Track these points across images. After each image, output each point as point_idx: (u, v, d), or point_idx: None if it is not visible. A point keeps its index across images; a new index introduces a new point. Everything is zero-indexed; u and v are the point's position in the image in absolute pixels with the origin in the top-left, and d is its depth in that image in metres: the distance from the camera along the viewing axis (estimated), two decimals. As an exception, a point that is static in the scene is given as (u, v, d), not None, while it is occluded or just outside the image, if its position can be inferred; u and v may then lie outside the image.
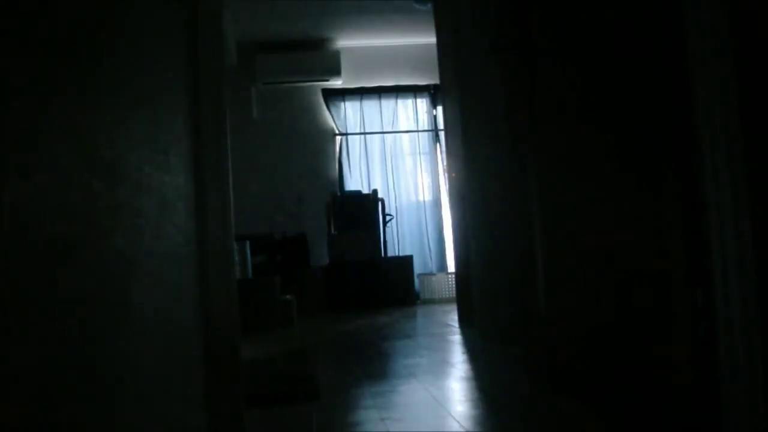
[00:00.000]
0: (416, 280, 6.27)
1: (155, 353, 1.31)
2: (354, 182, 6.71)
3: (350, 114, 6.81)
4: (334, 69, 6.55)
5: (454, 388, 2.51)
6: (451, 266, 5.59)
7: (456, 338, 3.76)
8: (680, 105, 1.59)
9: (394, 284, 6.05)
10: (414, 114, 6.91)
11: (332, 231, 6.31)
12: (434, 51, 4.65)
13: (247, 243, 5.10)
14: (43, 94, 0.86)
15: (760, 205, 1.35)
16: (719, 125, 1.42)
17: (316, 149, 6.77)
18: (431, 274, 6.45)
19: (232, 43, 6.28)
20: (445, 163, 6.02)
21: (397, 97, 6.85)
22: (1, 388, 0.71)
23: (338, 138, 6.78)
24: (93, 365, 0.98)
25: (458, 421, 1.92)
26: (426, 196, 6.82)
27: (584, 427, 1.83)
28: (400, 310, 5.59)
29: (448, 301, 5.88)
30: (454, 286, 4.71)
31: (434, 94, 6.71)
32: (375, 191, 6.39)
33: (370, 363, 3.17)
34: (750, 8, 1.38)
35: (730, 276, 1.40)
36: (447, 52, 4.30)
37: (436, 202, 6.79)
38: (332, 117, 6.76)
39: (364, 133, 6.80)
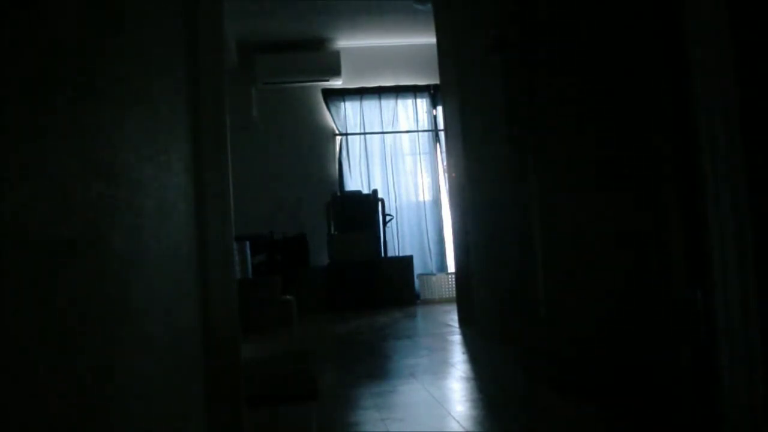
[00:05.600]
0: (416, 280, 6.27)
1: (155, 353, 1.31)
2: (354, 182, 6.70)
3: (350, 114, 6.81)
4: (334, 69, 6.55)
5: (454, 388, 2.51)
6: (451, 266, 5.59)
7: (456, 338, 3.76)
8: (680, 105, 1.59)
9: (394, 284, 6.05)
10: (414, 114, 6.90)
11: (332, 231, 6.31)
12: (434, 51, 4.65)
13: (247, 243, 5.10)
14: (43, 94, 0.86)
15: (760, 205, 1.35)
16: (719, 126, 1.42)
17: (316, 149, 6.77)
18: (431, 274, 6.45)
19: (232, 43, 6.28)
20: (445, 163, 6.02)
21: (397, 97, 6.84)
22: (0, 389, 0.71)
23: (338, 138, 6.78)
24: (93, 365, 0.98)
25: (458, 421, 1.92)
26: (426, 196, 6.82)
27: (584, 427, 1.83)
28: (400, 310, 5.59)
29: (448, 301, 5.88)
30: (454, 286, 4.71)
31: (434, 94, 6.71)
32: (375, 191, 6.38)
33: (370, 363, 3.17)
34: (750, 12, 1.38)
35: (730, 276, 1.40)
36: (447, 52, 4.30)
37: (436, 202, 6.79)
38: (332, 117, 6.76)
39: (364, 133, 6.80)
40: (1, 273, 0.72)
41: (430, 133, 6.87)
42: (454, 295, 4.56)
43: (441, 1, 4.45)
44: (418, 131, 6.88)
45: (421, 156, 6.84)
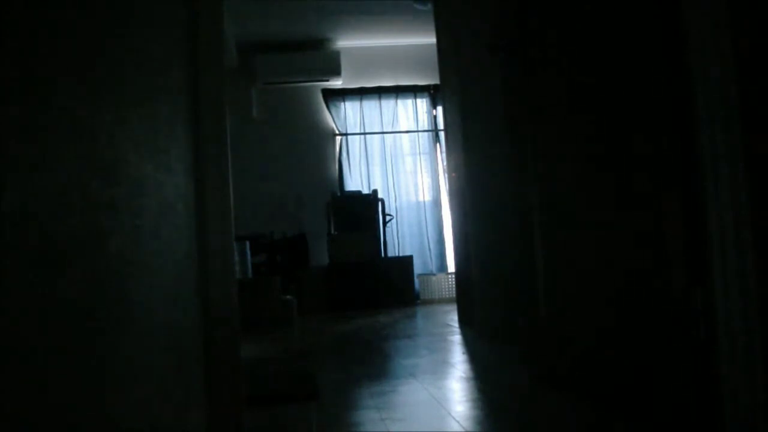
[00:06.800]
0: (416, 280, 6.27)
1: (155, 353, 1.31)
2: (354, 182, 6.71)
3: (350, 114, 6.81)
4: (334, 69, 6.55)
5: (454, 388, 2.50)
6: (451, 266, 5.59)
7: (456, 338, 3.76)
8: (680, 104, 1.59)
9: (394, 284, 6.05)
10: (414, 114, 6.91)
11: (332, 231, 6.31)
12: (434, 51, 4.65)
13: (247, 243, 5.10)
14: (43, 94, 0.86)
15: (760, 205, 1.35)
16: (719, 125, 1.42)
17: (316, 149, 6.77)
18: (431, 274, 6.45)
19: (232, 43, 6.28)
20: (445, 163, 6.02)
21: (397, 98, 6.85)
22: (1, 389, 0.71)
23: (338, 138, 6.78)
24: (93, 365, 0.98)
25: (458, 421, 1.92)
26: (426, 196, 6.82)
27: (584, 427, 1.83)
28: (400, 310, 5.59)
29: (448, 301, 5.88)
30: (454, 286, 4.71)
31: (434, 94, 6.71)
32: (375, 191, 6.39)
33: (370, 363, 3.17)
34: (750, 10, 1.38)
35: (730, 276, 1.40)
36: (447, 52, 4.30)
37: (436, 202, 6.79)
38: (332, 117, 6.76)
39: (364, 134, 6.80)
40: (2, 272, 0.72)
41: (430, 133, 6.87)
42: (454, 295, 4.56)
43: (441, 1, 4.45)
44: (418, 131, 6.88)
45: (421, 156, 6.85)
